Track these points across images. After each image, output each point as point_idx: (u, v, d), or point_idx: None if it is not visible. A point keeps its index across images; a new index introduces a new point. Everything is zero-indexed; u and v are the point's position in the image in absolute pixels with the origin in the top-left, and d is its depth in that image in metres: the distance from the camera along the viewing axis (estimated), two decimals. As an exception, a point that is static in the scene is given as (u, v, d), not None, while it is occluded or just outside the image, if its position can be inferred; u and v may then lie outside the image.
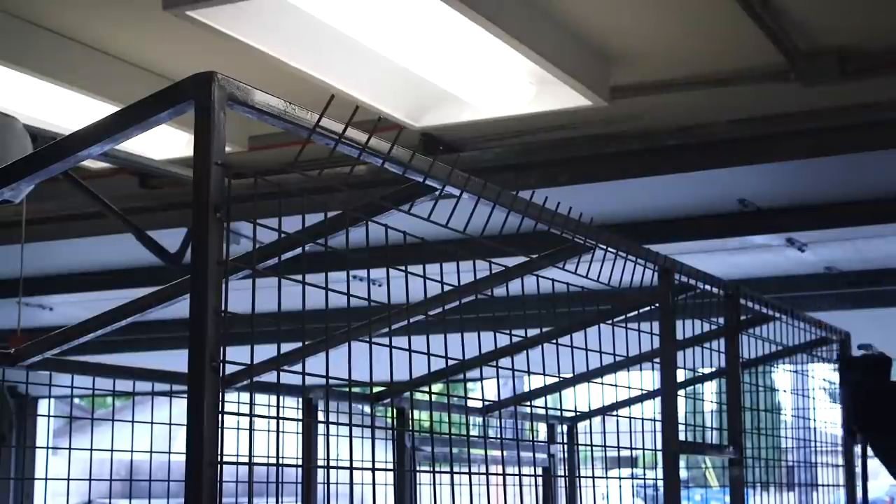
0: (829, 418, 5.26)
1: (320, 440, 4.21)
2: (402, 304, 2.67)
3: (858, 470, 4.91)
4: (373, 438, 2.23)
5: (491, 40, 3.62)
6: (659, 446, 3.32)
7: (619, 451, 4.93)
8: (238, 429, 2.49)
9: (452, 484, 2.46)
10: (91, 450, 3.97)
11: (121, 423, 4.37)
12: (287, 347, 2.78)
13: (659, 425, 3.34)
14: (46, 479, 4.72)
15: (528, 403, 4.62)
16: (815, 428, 5.02)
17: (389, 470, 4.36)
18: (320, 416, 4.21)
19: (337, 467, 2.27)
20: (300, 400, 4.32)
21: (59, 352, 3.10)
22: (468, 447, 3.44)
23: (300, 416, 4.32)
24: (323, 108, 2.03)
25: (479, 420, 4.98)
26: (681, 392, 3.65)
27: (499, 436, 4.82)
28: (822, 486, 4.80)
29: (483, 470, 2.61)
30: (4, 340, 3.34)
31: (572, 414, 5.34)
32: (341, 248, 2.18)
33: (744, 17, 3.74)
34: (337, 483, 3.46)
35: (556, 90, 4.10)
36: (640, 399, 5.04)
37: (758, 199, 5.35)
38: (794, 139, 4.66)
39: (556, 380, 4.09)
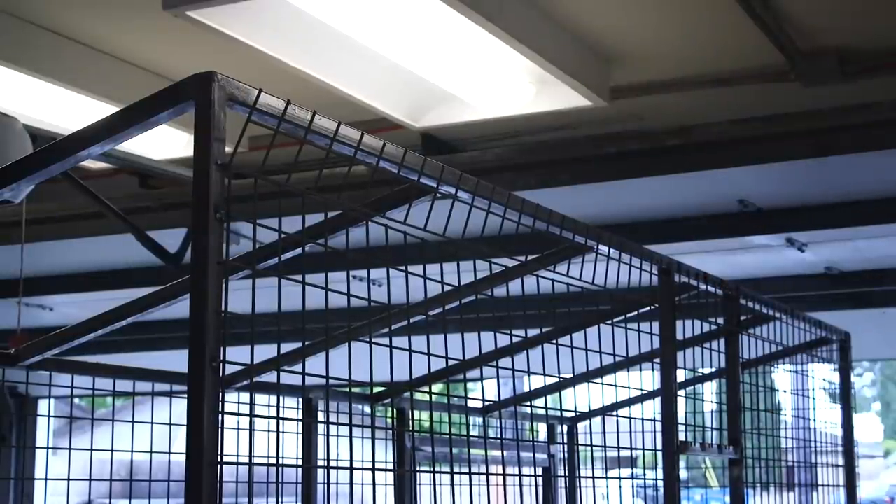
0: (829, 418, 5.26)
1: (320, 440, 4.20)
2: (402, 304, 2.66)
3: (859, 470, 4.91)
4: (373, 438, 2.23)
5: (491, 40, 3.62)
6: (659, 446, 3.31)
7: (619, 451, 4.93)
8: (238, 429, 2.49)
9: (452, 484, 2.46)
10: (91, 450, 3.97)
11: (121, 423, 4.37)
12: (287, 347, 2.78)
13: (659, 425, 3.34)
14: (46, 479, 4.72)
15: (528, 403, 4.62)
16: (815, 428, 5.02)
17: (389, 470, 4.36)
18: (320, 416, 4.21)
19: (337, 467, 2.27)
20: (300, 400, 4.31)
21: (59, 352, 3.10)
22: (468, 447, 3.44)
23: (300, 416, 4.32)
24: (320, 108, 2.02)
25: (479, 420, 4.97)
26: (681, 392, 3.65)
27: (499, 436, 4.82)
28: (822, 486, 4.80)
29: (483, 470, 2.61)
30: (4, 340, 3.35)
31: (572, 414, 5.34)
32: (341, 248, 2.18)
33: (744, 17, 3.75)
34: (337, 483, 3.46)
35: (556, 90, 4.11)
36: (640, 399, 5.04)
37: (758, 199, 5.35)
38: (794, 139, 4.66)
39: (556, 380, 4.08)
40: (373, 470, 2.20)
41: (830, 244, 6.00)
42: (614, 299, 3.23)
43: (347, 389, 3.81)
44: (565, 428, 5.33)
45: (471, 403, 4.96)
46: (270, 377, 3.60)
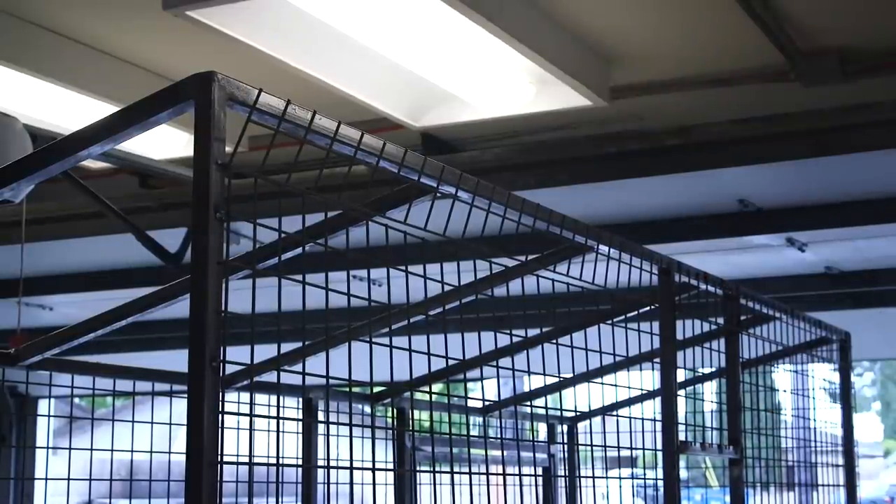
0: (829, 418, 5.26)
1: (320, 440, 4.20)
2: (402, 304, 2.67)
3: (859, 470, 4.91)
4: (373, 438, 2.23)
5: (491, 40, 3.62)
6: (659, 446, 3.32)
7: (619, 451, 4.93)
8: (238, 429, 2.49)
9: (452, 484, 2.46)
10: (91, 450, 3.97)
11: (121, 423, 4.37)
12: (287, 347, 2.78)
13: (659, 425, 3.34)
14: (46, 479, 4.71)
15: (528, 403, 4.62)
16: (815, 428, 5.02)
17: (389, 470, 4.36)
18: (320, 416, 4.21)
19: (337, 467, 2.27)
20: (300, 400, 4.31)
21: (59, 352, 3.10)
22: (468, 447, 3.44)
23: (300, 416, 4.32)
24: (320, 108, 2.02)
25: (479, 420, 4.97)
26: (681, 392, 3.65)
27: (499, 436, 4.82)
28: (822, 486, 4.80)
29: (483, 470, 2.61)
30: (4, 340, 3.35)
31: (572, 414, 5.34)
32: (341, 248, 2.18)
33: (744, 17, 3.75)
34: (337, 483, 3.46)
35: (556, 90, 4.11)
36: (640, 399, 5.04)
37: (758, 199, 5.36)
38: (794, 139, 4.66)
39: (556, 380, 4.09)
40: (373, 470, 2.20)
41: (830, 244, 6.00)
42: (614, 299, 3.23)
43: (347, 389, 3.81)
44: (565, 428, 5.33)
45: (471, 403, 4.96)
46: (270, 377, 3.60)
